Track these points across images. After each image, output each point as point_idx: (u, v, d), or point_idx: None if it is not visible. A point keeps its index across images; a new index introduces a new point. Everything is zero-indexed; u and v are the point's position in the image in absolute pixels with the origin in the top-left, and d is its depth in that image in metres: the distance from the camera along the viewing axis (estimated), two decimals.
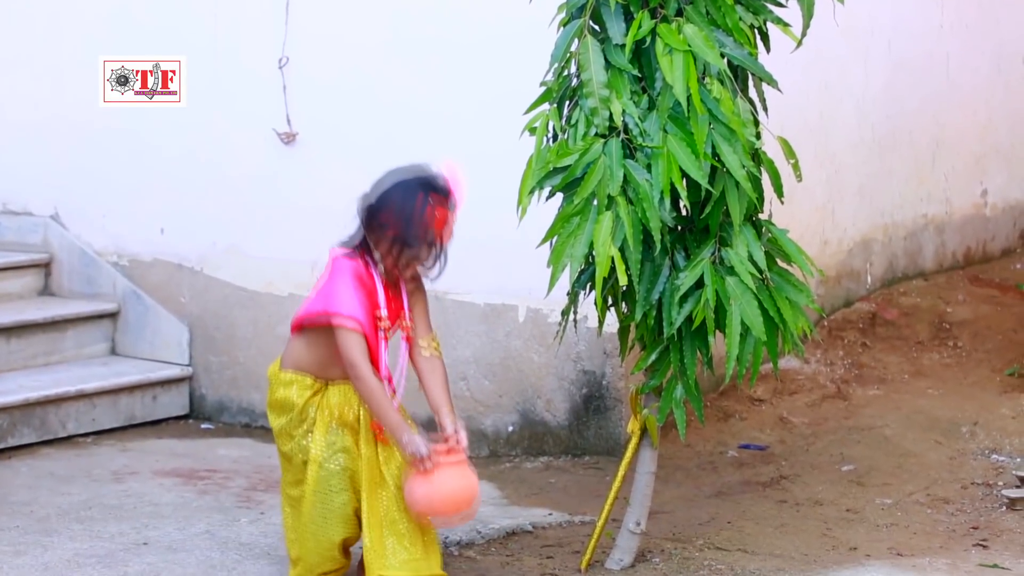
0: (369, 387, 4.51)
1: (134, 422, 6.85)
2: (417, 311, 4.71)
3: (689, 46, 4.60)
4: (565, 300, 4.97)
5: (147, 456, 6.40)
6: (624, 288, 4.71)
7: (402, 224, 4.53)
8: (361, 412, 4.62)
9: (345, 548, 4.67)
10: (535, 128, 4.76)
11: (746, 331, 4.70)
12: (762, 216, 4.86)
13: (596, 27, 4.74)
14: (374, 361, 4.57)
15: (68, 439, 6.59)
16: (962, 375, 7.25)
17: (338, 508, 4.60)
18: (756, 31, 4.85)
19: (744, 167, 4.64)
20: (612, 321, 5.55)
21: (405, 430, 4.51)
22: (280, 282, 6.87)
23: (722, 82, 4.66)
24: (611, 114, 4.64)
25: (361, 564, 4.68)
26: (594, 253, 4.61)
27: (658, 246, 4.63)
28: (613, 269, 4.60)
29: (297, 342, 4.71)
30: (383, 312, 4.60)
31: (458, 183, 4.61)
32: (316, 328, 4.63)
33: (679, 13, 4.68)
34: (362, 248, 4.62)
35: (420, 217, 4.53)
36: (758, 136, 4.77)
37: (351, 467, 4.60)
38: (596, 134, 4.65)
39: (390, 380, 4.63)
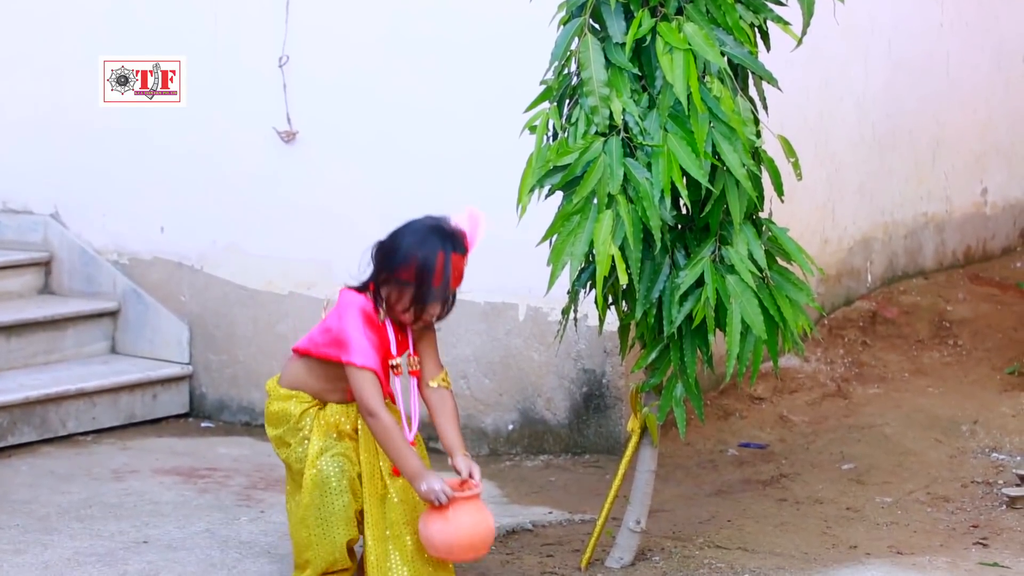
0: (386, 431, 4.46)
1: (134, 420, 6.85)
2: (427, 349, 4.67)
3: (689, 44, 4.60)
4: (565, 299, 4.96)
5: (147, 455, 6.40)
6: (624, 287, 4.70)
7: (423, 285, 4.48)
8: (360, 424, 4.60)
9: (350, 549, 4.66)
10: (535, 127, 4.76)
11: (746, 329, 4.69)
12: (762, 215, 4.86)
13: (596, 25, 4.74)
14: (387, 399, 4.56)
15: (68, 438, 6.58)
16: (962, 374, 7.25)
17: (339, 511, 4.57)
18: (756, 30, 4.85)
19: (744, 166, 4.63)
20: (612, 320, 5.55)
21: (422, 475, 4.46)
22: (280, 280, 6.87)
23: (722, 80, 4.65)
24: (611, 113, 4.64)
25: (362, 564, 4.67)
26: (594, 252, 4.60)
27: (658, 245, 4.63)
28: (613, 268, 4.60)
29: (298, 364, 4.68)
30: (394, 351, 4.58)
31: (477, 233, 4.57)
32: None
33: (679, 12, 4.68)
34: (373, 290, 4.57)
35: (442, 278, 4.49)
36: (758, 135, 4.77)
37: (350, 471, 4.58)
38: (596, 132, 4.64)
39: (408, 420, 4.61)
